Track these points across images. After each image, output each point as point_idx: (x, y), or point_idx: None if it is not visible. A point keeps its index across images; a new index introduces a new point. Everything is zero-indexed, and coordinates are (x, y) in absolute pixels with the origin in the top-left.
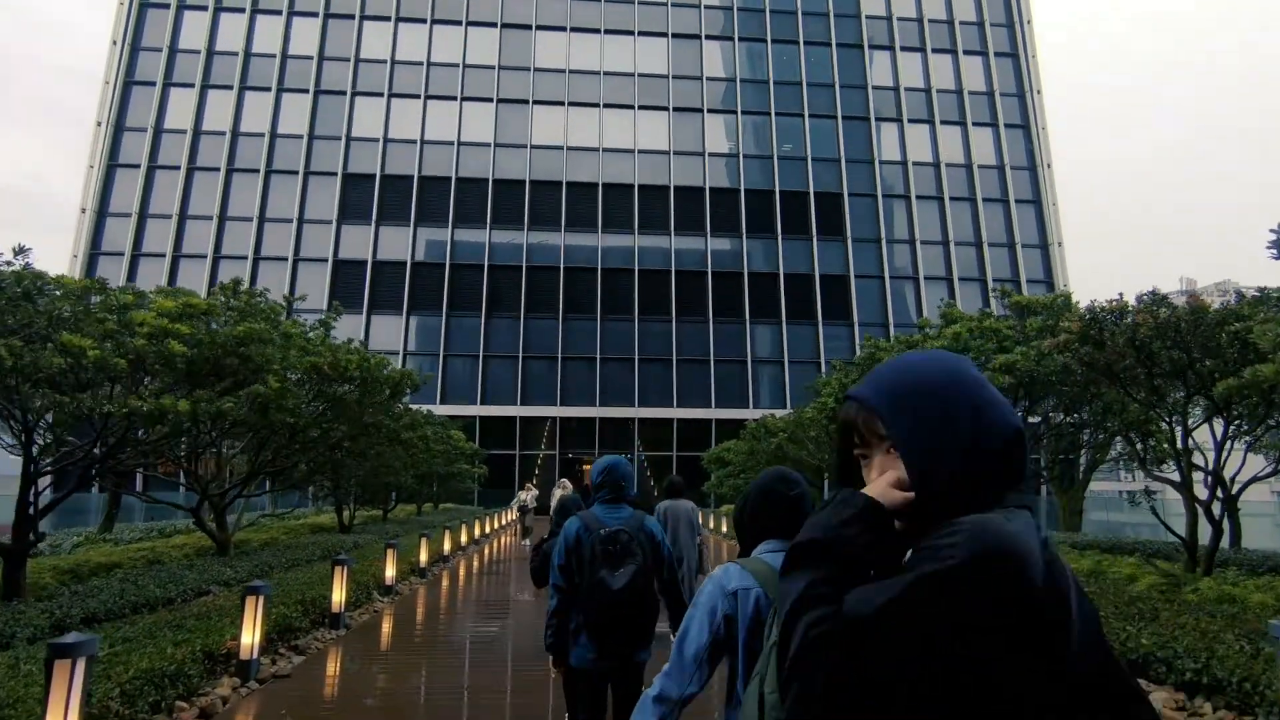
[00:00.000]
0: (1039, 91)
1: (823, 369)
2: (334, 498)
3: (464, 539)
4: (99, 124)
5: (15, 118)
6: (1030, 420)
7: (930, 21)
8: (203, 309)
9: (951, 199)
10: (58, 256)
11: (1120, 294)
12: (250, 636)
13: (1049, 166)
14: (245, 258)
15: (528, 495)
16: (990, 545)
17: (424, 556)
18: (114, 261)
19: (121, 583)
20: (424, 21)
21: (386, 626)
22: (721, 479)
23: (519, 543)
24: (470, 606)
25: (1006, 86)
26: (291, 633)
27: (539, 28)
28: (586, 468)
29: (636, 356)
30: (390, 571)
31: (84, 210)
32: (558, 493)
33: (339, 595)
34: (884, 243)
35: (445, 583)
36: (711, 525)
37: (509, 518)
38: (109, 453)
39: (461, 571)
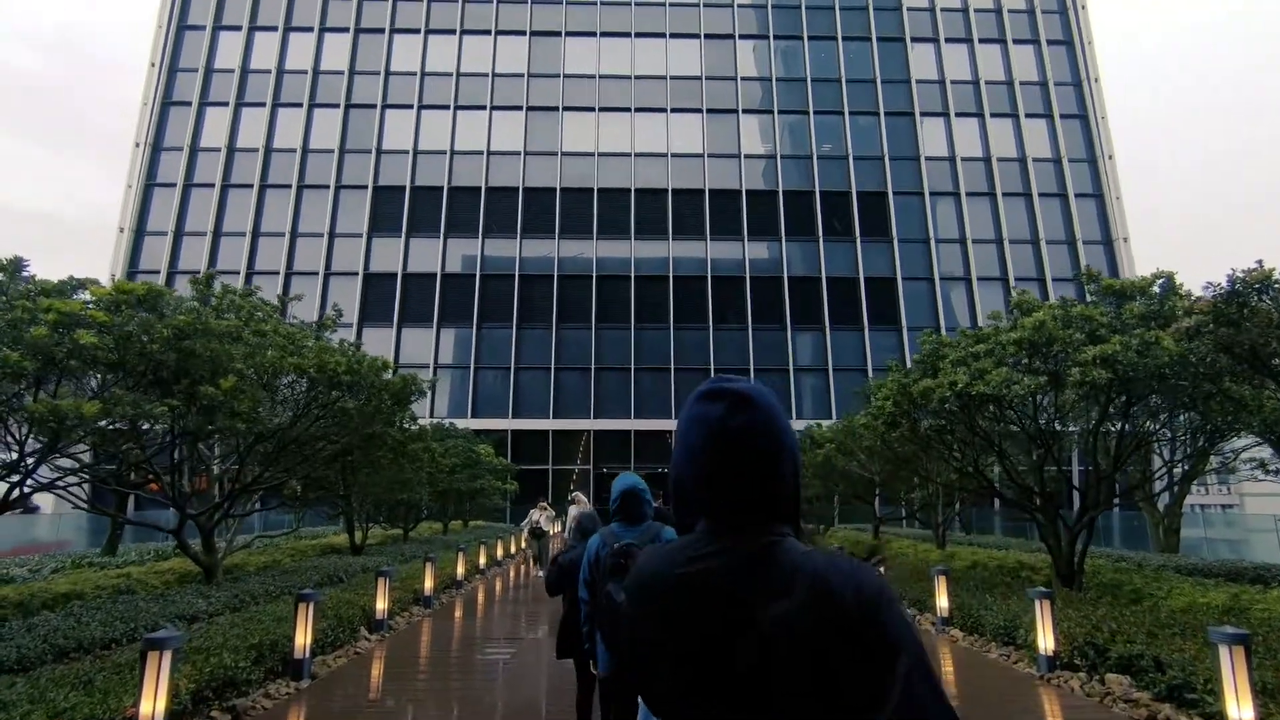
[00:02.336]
0: (1097, 79)
1: (870, 376)
2: (344, 516)
3: (482, 560)
4: (137, 145)
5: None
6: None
7: (976, 11)
8: (139, 294)
9: (1005, 195)
10: (100, 277)
11: (1260, 261)
12: (151, 704)
13: (1110, 158)
14: (277, 273)
15: (541, 515)
16: None
17: (429, 583)
18: (150, 280)
19: (64, 619)
20: (453, 33)
21: (364, 675)
22: None
23: (533, 573)
24: (474, 649)
25: (1061, 75)
26: (232, 688)
27: (569, 34)
28: None
29: (673, 366)
30: (381, 604)
31: (122, 229)
32: (573, 509)
33: (303, 637)
34: (933, 242)
35: (451, 615)
36: None
37: (519, 544)
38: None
39: (477, 599)
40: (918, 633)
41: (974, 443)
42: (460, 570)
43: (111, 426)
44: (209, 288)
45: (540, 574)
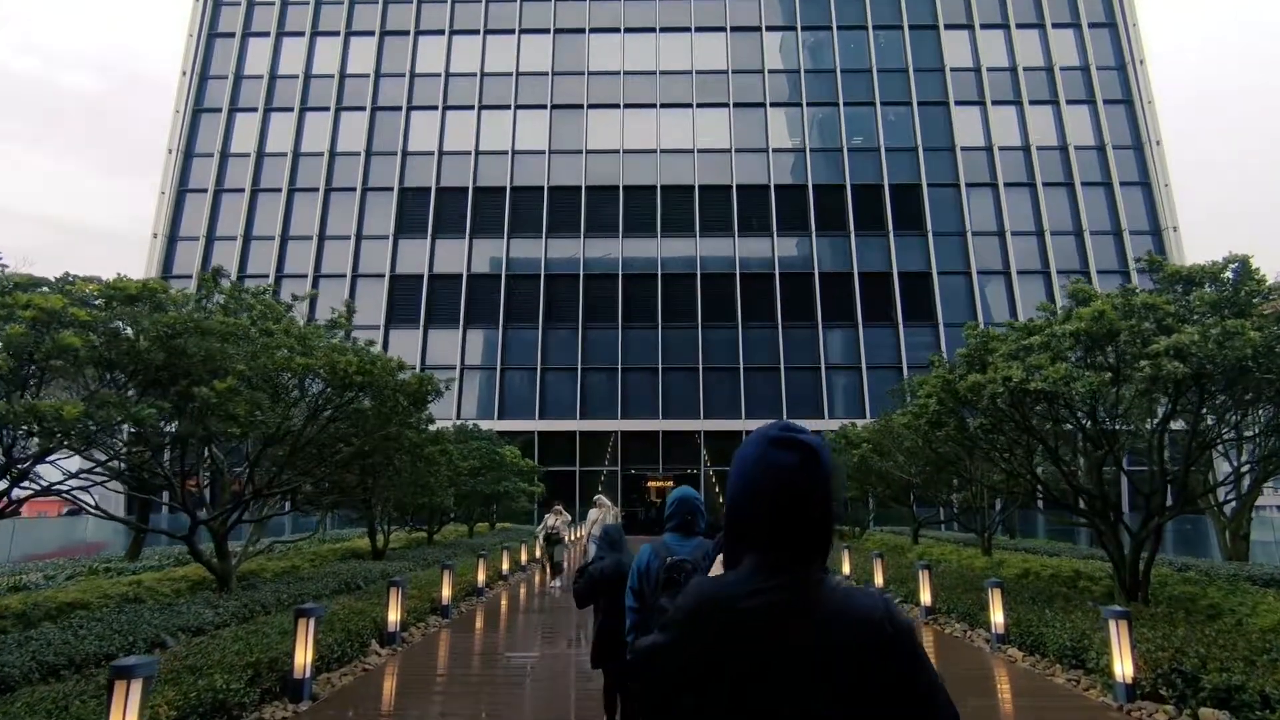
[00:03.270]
0: (1142, 62)
1: (905, 374)
2: (366, 520)
3: (505, 566)
4: (169, 151)
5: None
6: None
7: None
8: (132, 291)
9: (1046, 185)
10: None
11: None
12: None
13: (1158, 143)
14: (305, 276)
15: (557, 520)
16: None
17: (446, 592)
18: (182, 285)
19: (61, 631)
20: (477, 33)
21: (370, 695)
22: None
23: (548, 584)
24: (492, 664)
25: (1104, 59)
26: (222, 713)
27: (593, 31)
28: (651, 484)
29: (701, 365)
30: (394, 615)
31: (155, 235)
32: (593, 513)
33: (303, 656)
34: (969, 235)
35: (471, 625)
36: None
37: (535, 553)
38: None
39: (500, 607)
40: (926, 653)
41: (1025, 443)
42: (481, 577)
43: (95, 428)
44: (216, 285)
45: (555, 584)
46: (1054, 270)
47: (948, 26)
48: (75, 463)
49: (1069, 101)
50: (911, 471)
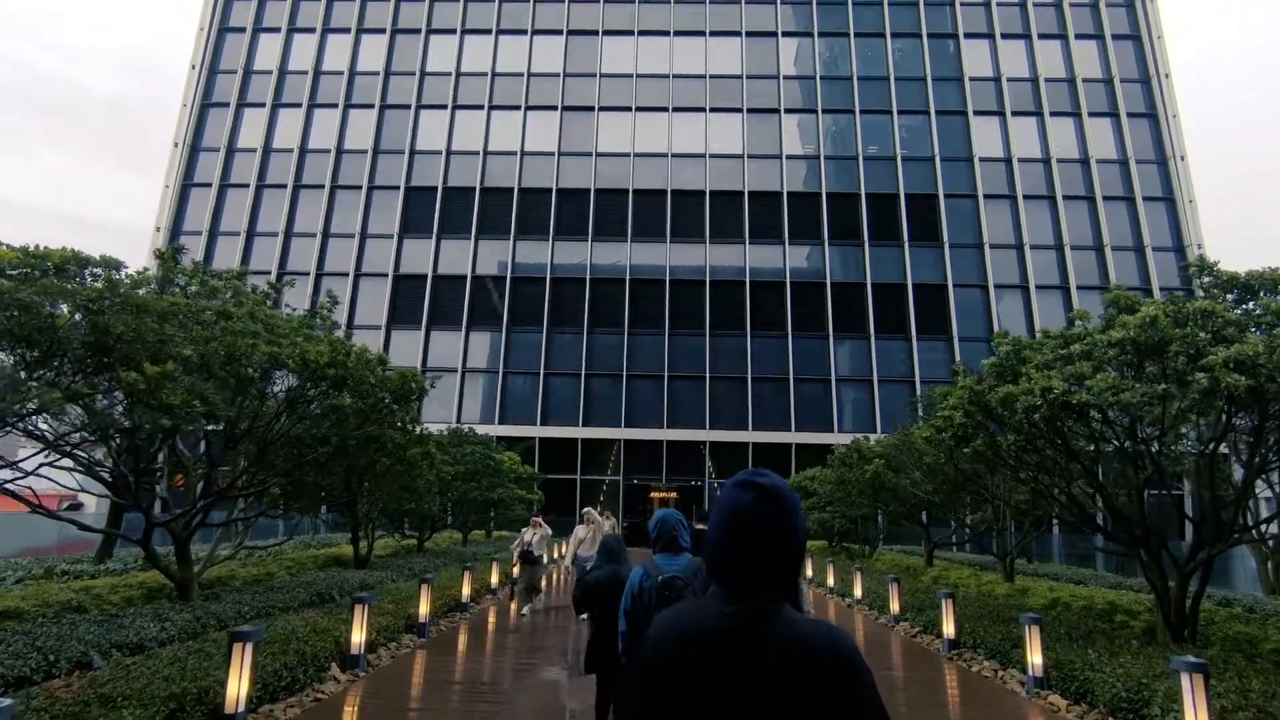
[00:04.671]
0: (1167, 75)
1: (918, 388)
2: (350, 525)
3: (494, 579)
4: (175, 145)
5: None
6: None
7: (1035, 6)
8: (55, 261)
9: (1066, 198)
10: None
11: None
12: None
13: (1183, 158)
14: (308, 273)
15: (534, 535)
16: None
17: (424, 608)
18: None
19: None
20: (489, 32)
21: None
22: (805, 512)
23: (520, 612)
24: (469, 694)
25: (1127, 72)
26: None
27: (606, 33)
28: (655, 495)
29: (708, 374)
30: (358, 636)
31: (158, 229)
32: (581, 530)
33: (237, 687)
34: (986, 248)
35: (450, 646)
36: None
37: (510, 571)
38: None
39: (486, 624)
40: (873, 679)
41: (1062, 462)
42: (466, 590)
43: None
44: (176, 263)
45: (526, 612)
46: (1074, 285)
47: (968, 36)
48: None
49: (1091, 114)
50: (929, 489)
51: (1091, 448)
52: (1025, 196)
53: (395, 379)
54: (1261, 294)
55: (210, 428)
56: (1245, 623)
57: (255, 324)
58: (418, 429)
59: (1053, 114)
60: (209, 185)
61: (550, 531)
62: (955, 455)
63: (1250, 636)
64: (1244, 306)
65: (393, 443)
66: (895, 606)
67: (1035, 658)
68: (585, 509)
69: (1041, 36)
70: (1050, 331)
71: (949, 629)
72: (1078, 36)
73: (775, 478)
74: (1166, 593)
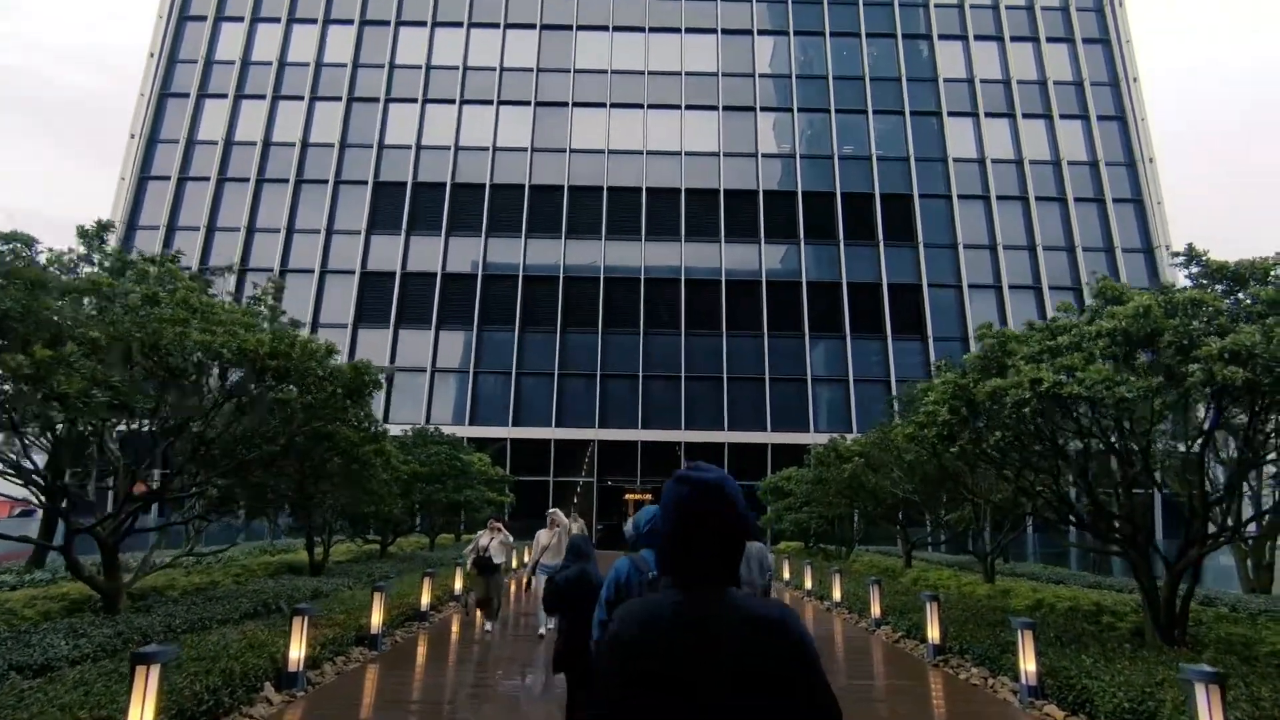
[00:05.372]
0: (1136, 79)
1: (893, 388)
2: (304, 529)
3: (458, 585)
4: (132, 136)
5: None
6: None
7: (1008, 8)
8: None
9: (1038, 199)
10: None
11: None
12: None
13: (1151, 161)
14: (271, 269)
15: (492, 540)
16: None
17: (377, 617)
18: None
19: None
20: (460, 25)
21: None
22: (780, 512)
23: (481, 628)
24: (427, 716)
25: (1097, 75)
26: None
27: (580, 28)
28: (629, 497)
29: (683, 374)
30: (296, 651)
31: (112, 223)
32: (543, 535)
33: (139, 716)
34: (960, 248)
35: (404, 660)
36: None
37: (460, 580)
38: None
39: (448, 635)
40: (816, 650)
41: (1052, 458)
42: (426, 598)
43: None
44: (101, 241)
45: (490, 628)
46: (1046, 286)
47: (941, 37)
48: None
49: (1062, 116)
50: (909, 488)
51: (1080, 443)
52: (998, 197)
53: (346, 371)
54: (1251, 283)
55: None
56: (1234, 623)
57: (186, 311)
58: (376, 426)
59: (1025, 115)
60: (167, 178)
61: (511, 538)
62: (939, 452)
63: (1245, 638)
64: (1234, 296)
65: (346, 440)
66: (876, 610)
67: (1029, 665)
68: (550, 510)
69: (1014, 39)
70: (1036, 323)
71: (934, 634)
72: (1049, 39)
73: (715, 470)
74: (1155, 593)
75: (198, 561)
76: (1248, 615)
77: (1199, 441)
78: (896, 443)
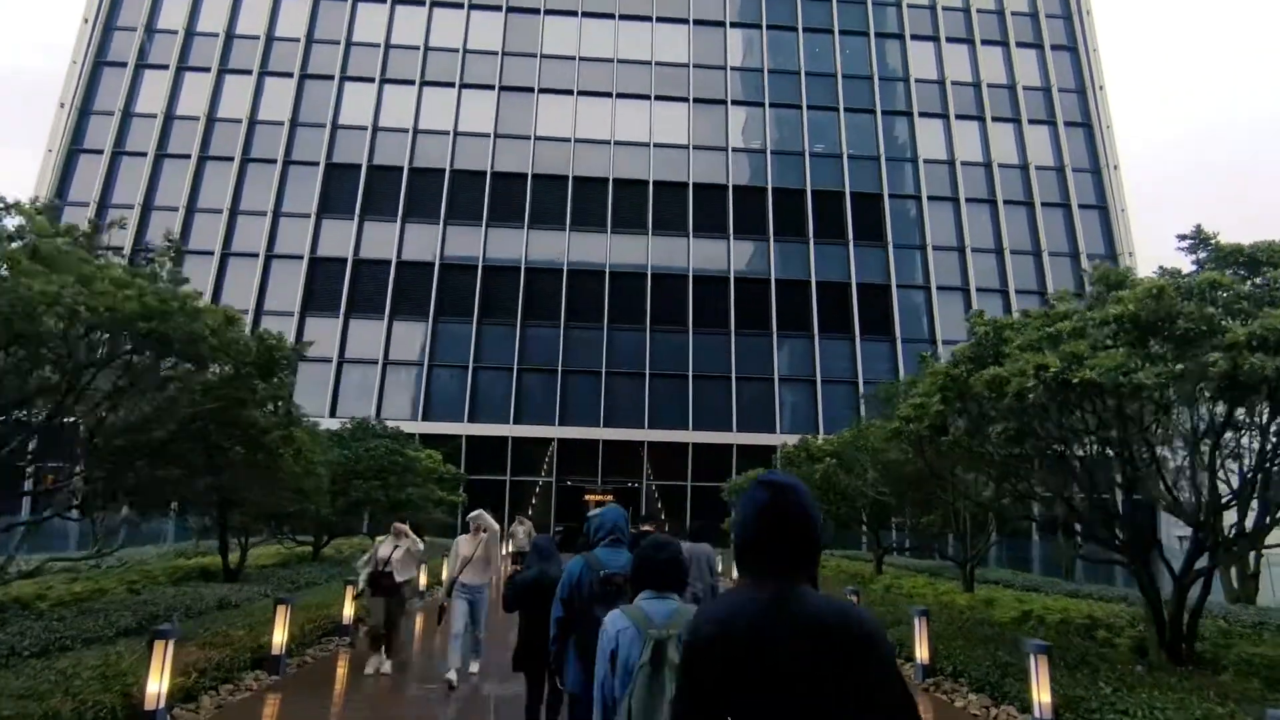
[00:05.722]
0: (1102, 87)
1: (861, 388)
2: (219, 530)
3: (347, 610)
4: (62, 105)
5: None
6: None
7: (979, 11)
8: None
9: (1006, 203)
10: None
11: None
12: None
13: (1116, 168)
14: (211, 253)
15: (395, 550)
16: None
17: (279, 635)
18: None
19: None
20: (422, 4)
21: None
22: None
23: (373, 667)
24: None
25: (1065, 82)
26: None
27: (548, 12)
28: (590, 499)
29: (648, 372)
30: (155, 685)
31: (37, 198)
32: (464, 543)
33: None
34: (929, 249)
35: (309, 686)
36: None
37: (347, 610)
38: None
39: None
40: (889, 641)
41: (1060, 454)
42: (349, 610)
43: None
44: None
45: (385, 669)
46: (1012, 290)
47: (914, 37)
48: None
49: (1031, 121)
50: (884, 490)
51: (1090, 439)
52: (968, 199)
53: (251, 345)
54: (1266, 269)
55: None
56: (1242, 638)
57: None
58: (294, 410)
59: (994, 119)
60: (100, 152)
61: (421, 545)
62: (926, 449)
63: (1266, 659)
64: (1252, 281)
65: (253, 427)
66: None
67: (1043, 695)
68: (473, 514)
69: (984, 42)
70: (1033, 311)
71: (923, 653)
72: (1019, 44)
73: (790, 476)
74: (1160, 606)
75: (96, 565)
76: (1251, 629)
77: (1207, 440)
78: (872, 442)
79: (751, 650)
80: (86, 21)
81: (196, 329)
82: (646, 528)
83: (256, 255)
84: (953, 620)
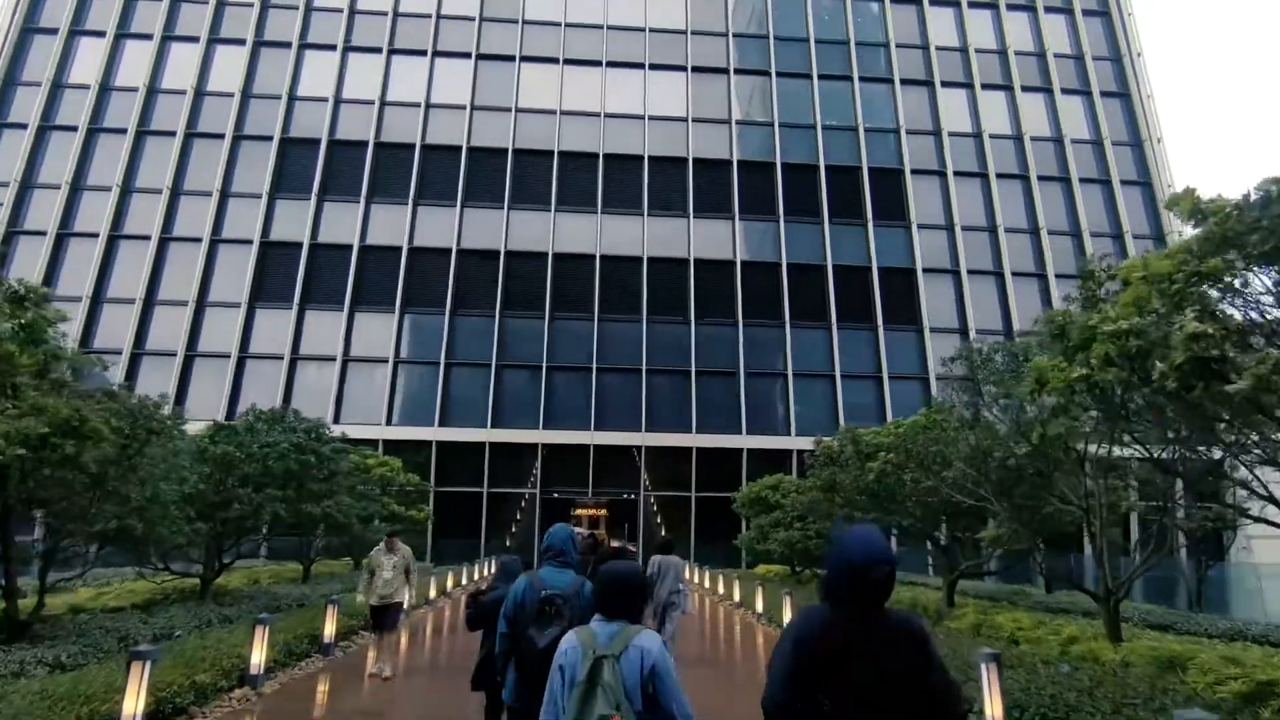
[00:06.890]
0: (1139, 54)
1: (885, 382)
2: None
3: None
4: None
5: None
6: None
7: None
8: None
9: (1040, 179)
10: None
11: None
12: None
13: (1159, 140)
14: (149, 237)
15: (390, 563)
16: None
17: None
18: None
19: None
20: None
21: None
22: (764, 529)
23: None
24: None
25: (1099, 50)
26: None
27: None
28: (580, 513)
29: (644, 367)
30: None
31: None
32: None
33: None
34: (958, 230)
35: None
36: (755, 608)
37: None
38: None
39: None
40: (937, 648)
41: None
42: (261, 654)
43: None
44: None
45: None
46: (1051, 273)
47: (933, 2)
48: None
49: (1064, 91)
50: (983, 489)
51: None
52: (998, 175)
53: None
54: None
55: None
56: None
57: None
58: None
59: (1024, 89)
60: (24, 126)
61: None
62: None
63: None
64: None
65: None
66: None
67: None
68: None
69: (1010, 8)
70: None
71: None
72: (1047, 10)
73: (871, 528)
74: None
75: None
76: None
77: None
78: (949, 431)
79: (844, 652)
80: None
81: None
82: (631, 546)
83: (200, 240)
84: (1124, 697)
